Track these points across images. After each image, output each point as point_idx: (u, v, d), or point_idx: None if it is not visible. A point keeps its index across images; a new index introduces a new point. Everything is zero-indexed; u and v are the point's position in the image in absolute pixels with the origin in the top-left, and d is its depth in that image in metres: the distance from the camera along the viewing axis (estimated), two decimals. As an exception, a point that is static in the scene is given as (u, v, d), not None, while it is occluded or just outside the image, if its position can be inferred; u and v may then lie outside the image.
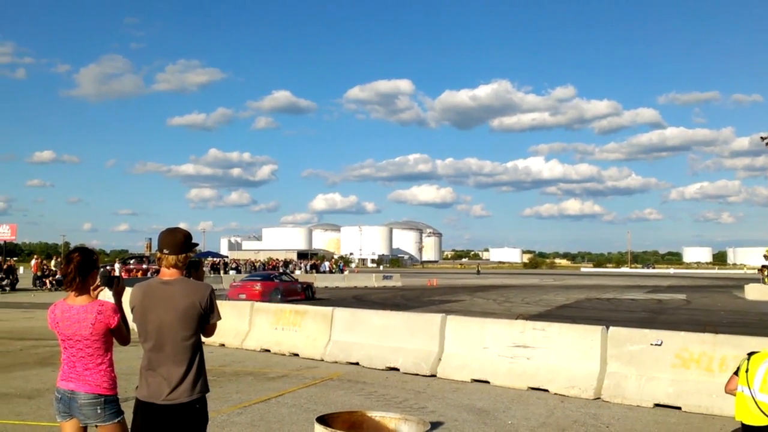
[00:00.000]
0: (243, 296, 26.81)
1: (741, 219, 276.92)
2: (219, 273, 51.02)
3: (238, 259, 76.04)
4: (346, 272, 65.59)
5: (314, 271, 61.97)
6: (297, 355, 12.95)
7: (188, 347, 3.82)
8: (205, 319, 3.89)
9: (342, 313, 13.05)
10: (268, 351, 13.44)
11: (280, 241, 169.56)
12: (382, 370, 11.50)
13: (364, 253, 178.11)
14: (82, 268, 4.00)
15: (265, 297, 26.14)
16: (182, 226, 5.19)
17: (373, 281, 49.77)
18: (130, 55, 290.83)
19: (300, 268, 65.54)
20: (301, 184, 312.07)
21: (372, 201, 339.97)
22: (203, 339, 3.98)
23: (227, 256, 79.93)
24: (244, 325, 14.27)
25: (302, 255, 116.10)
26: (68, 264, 4.01)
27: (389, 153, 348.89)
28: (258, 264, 65.44)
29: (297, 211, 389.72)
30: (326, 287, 44.22)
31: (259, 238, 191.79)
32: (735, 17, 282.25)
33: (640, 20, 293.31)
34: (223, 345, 14.10)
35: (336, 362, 12.21)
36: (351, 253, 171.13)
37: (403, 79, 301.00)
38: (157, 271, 4.01)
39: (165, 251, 3.89)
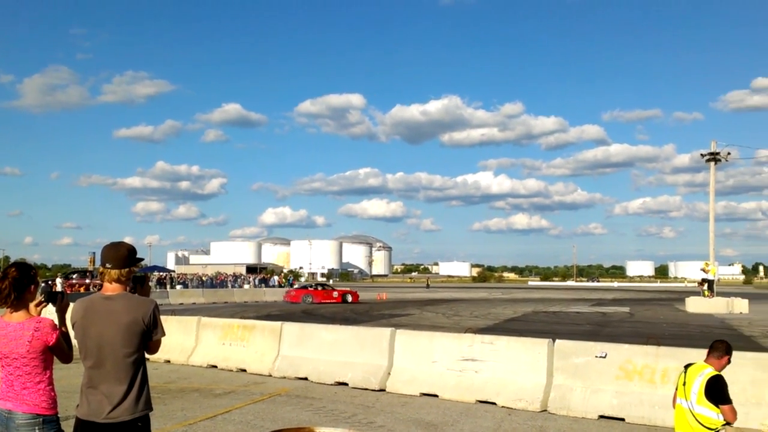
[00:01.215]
0: (310, 298, 42.37)
1: (682, 233, 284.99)
2: (165, 288, 50.03)
3: (185, 274, 74.79)
4: (295, 286, 65.06)
5: (263, 285, 61.22)
6: (245, 370, 12.78)
7: (130, 364, 3.73)
8: (148, 336, 3.81)
9: (291, 328, 12.95)
10: (215, 367, 13.23)
11: (228, 255, 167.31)
12: (331, 385, 11.43)
13: (313, 267, 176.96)
14: (17, 283, 3.87)
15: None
16: (128, 240, 5.09)
17: (323, 295, 49.49)
18: (76, 65, 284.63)
19: (248, 282, 64.71)
20: (251, 198, 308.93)
21: (322, 215, 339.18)
22: (147, 356, 3.89)
23: (174, 271, 78.49)
24: (191, 341, 14.02)
25: (251, 269, 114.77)
26: (3, 280, 3.87)
27: (340, 167, 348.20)
28: (206, 278, 64.36)
29: (246, 224, 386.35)
30: (275, 301, 43.81)
31: (207, 252, 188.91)
32: (676, 37, 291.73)
33: (586, 39, 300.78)
34: (169, 361, 13.83)
35: (284, 377, 12.09)
36: (301, 267, 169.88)
37: (355, 93, 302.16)
38: (101, 286, 3.91)
39: (108, 266, 3.81)
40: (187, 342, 14.02)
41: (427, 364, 10.80)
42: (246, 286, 60.08)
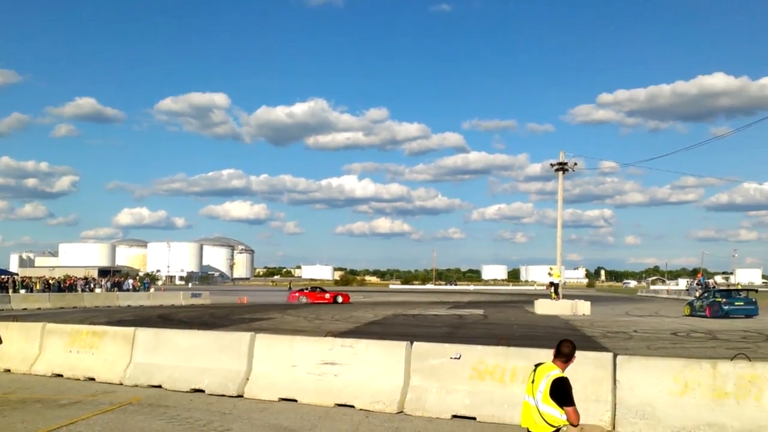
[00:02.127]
0: (304, 299, 48.43)
1: (533, 239, 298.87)
2: (7, 292, 46.52)
3: (30, 277, 69.86)
4: (151, 290, 62.50)
5: (116, 289, 58.39)
6: (93, 379, 12.16)
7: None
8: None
9: (145, 334, 12.44)
10: (61, 376, 12.48)
11: (79, 257, 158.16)
12: (187, 392, 11.10)
13: (172, 270, 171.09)
14: None
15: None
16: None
17: (180, 299, 47.97)
18: None
19: (101, 286, 61.48)
20: (105, 198, 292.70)
21: (182, 216, 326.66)
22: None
23: (17, 274, 73.25)
24: (34, 349, 13.12)
25: (104, 272, 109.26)
26: None
27: (202, 167, 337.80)
28: (53, 282, 60.46)
29: (100, 225, 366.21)
30: (129, 306, 41.96)
31: (55, 254, 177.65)
32: (531, 52, 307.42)
33: (448, 49, 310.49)
34: (9, 370, 12.87)
35: (137, 386, 11.61)
36: (158, 270, 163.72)
37: (219, 92, 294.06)
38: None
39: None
40: (29, 350, 13.11)
41: (286, 369, 10.73)
42: (98, 290, 57.04)
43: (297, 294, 50.14)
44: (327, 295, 49.52)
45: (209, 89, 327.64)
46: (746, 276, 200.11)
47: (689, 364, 8.80)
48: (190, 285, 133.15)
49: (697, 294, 45.31)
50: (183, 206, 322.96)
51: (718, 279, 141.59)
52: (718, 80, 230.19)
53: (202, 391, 11.02)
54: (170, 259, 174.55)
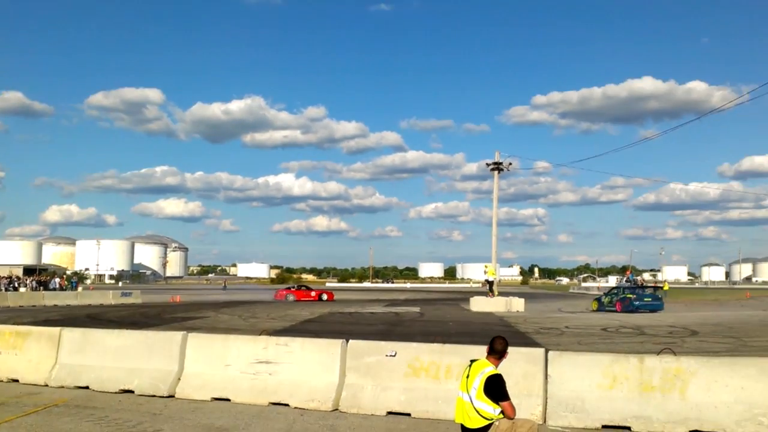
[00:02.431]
0: (292, 297, 50.02)
1: (469, 237, 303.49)
2: (-77, 291, 44.47)
3: (-51, 275, 66.90)
4: (79, 289, 60.66)
5: (42, 288, 56.40)
6: (17, 381, 11.70)
7: None
8: None
9: (71, 334, 12.03)
10: (-19, 378, 11.96)
11: (3, 255, 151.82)
12: (116, 393, 10.79)
13: (101, 268, 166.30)
14: None
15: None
16: None
17: (110, 298, 46.59)
18: None
19: (25, 285, 59.30)
20: (32, 194, 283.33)
21: (114, 213, 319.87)
22: None
23: (-65, 272, 70.04)
24: (-48, 350, 12.54)
25: (29, 270, 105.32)
26: None
27: (135, 164, 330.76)
28: (-26, 280, 57.97)
29: (26, 222, 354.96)
30: (56, 306, 40.58)
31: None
32: (467, 52, 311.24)
33: (386, 47, 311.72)
34: (-76, 374, 12.28)
35: (63, 387, 11.22)
36: (87, 269, 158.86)
37: (153, 88, 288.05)
38: None
39: None
40: (-53, 352, 12.52)
41: (220, 368, 10.55)
42: (22, 290, 55.00)
43: (284, 292, 51.91)
44: (313, 293, 51.84)
45: (142, 84, 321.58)
46: (672, 273, 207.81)
47: (617, 358, 9.04)
48: (120, 284, 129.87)
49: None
50: (114, 203, 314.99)
51: (646, 276, 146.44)
52: (647, 84, 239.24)
53: (132, 391, 10.74)
54: (100, 257, 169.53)
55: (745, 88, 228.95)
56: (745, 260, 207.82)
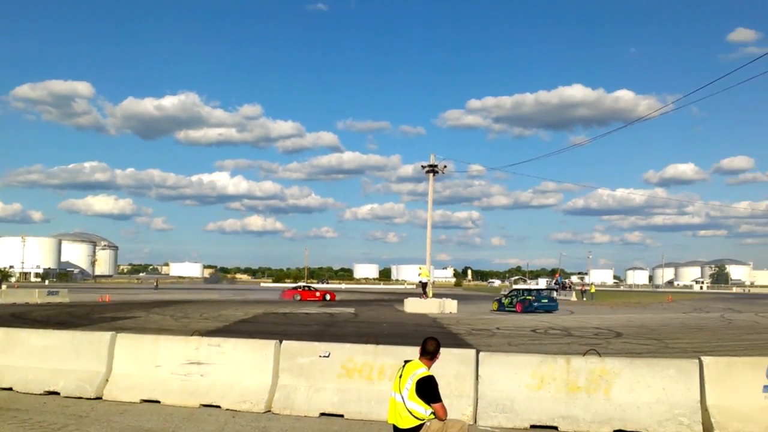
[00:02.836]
0: (298, 297, 52.98)
1: (404, 239, 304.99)
2: None
3: None
4: (3, 287, 58.47)
5: (-38, 285, 54.19)
6: (-67, 383, 11.20)
7: None
8: None
9: (-7, 334, 11.60)
10: None
11: None
12: (40, 394, 10.47)
13: (27, 266, 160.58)
14: None
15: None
16: None
17: (36, 297, 44.99)
18: None
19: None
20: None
21: (40, 210, 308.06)
22: None
23: None
24: None
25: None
26: None
27: (62, 159, 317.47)
28: None
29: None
30: (-23, 304, 38.98)
31: None
32: (404, 54, 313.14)
33: (323, 47, 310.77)
34: None
35: (-17, 389, 10.81)
36: (11, 266, 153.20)
37: (82, 81, 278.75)
38: None
39: None
40: None
41: (150, 369, 10.36)
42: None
43: (292, 292, 55.10)
44: (317, 294, 55.11)
45: (71, 77, 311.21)
46: (599, 276, 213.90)
47: (545, 359, 9.29)
48: (47, 282, 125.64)
49: (556, 292, 49.74)
50: (40, 199, 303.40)
51: (574, 279, 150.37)
52: (577, 91, 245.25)
53: (58, 393, 10.43)
54: (25, 254, 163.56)
55: (670, 97, 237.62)
56: (668, 264, 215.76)
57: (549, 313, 39.00)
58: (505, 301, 42.33)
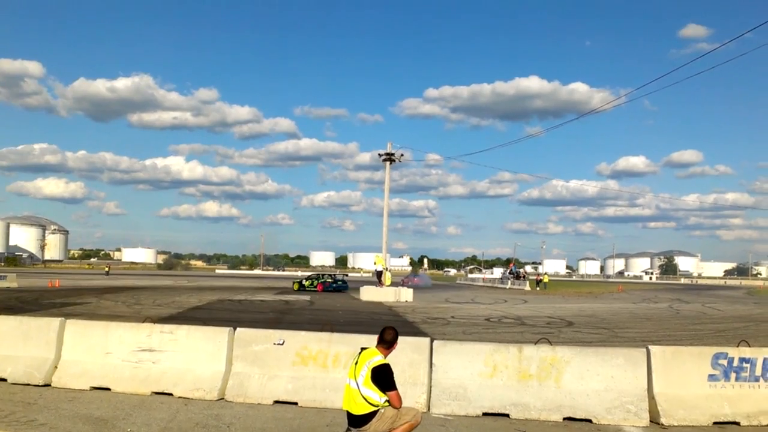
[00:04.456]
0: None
1: (360, 227, 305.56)
2: None
3: None
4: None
5: None
6: None
7: None
8: None
9: (-64, 319, 11.27)
10: None
11: None
12: (-14, 382, 10.22)
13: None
14: None
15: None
16: None
17: (-19, 282, 43.90)
18: None
19: None
20: None
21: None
22: None
23: None
24: None
25: None
26: None
27: (10, 140, 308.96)
28: None
29: None
30: None
31: None
32: (362, 41, 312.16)
33: (280, 31, 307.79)
34: None
35: (-75, 376, 10.50)
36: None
37: (32, 60, 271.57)
38: None
39: None
40: None
41: (100, 356, 10.19)
42: None
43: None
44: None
45: (21, 56, 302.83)
46: (552, 266, 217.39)
47: (498, 348, 9.41)
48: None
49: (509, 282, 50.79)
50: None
51: (528, 268, 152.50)
52: (533, 83, 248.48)
53: (5, 380, 10.20)
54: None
55: (623, 91, 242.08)
56: (619, 255, 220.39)
57: (340, 292, 48.88)
58: (306, 282, 51.33)
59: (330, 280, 52.75)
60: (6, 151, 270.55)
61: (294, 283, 52.79)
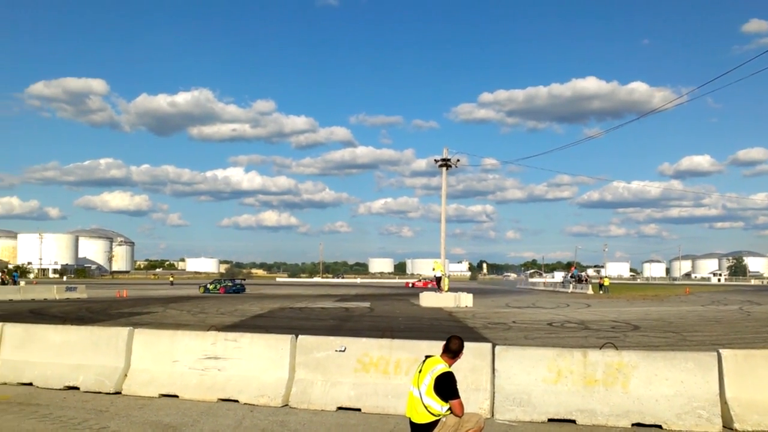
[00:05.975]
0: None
1: (418, 233, 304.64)
2: None
3: None
4: (22, 283, 58.97)
5: (-18, 282, 54.70)
6: (-45, 378, 11.34)
7: None
8: None
9: (13, 329, 11.75)
10: None
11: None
12: (60, 389, 10.59)
13: (44, 262, 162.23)
14: None
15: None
16: None
17: (54, 293, 45.44)
18: None
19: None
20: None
21: (56, 206, 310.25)
22: None
23: None
24: None
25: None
26: None
27: (78, 156, 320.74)
28: None
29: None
30: (-3, 300, 39.42)
31: None
32: (416, 48, 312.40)
33: (334, 42, 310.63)
34: None
35: (5, 384, 10.97)
36: (29, 263, 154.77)
37: (96, 78, 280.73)
38: None
39: None
40: None
41: (167, 364, 10.44)
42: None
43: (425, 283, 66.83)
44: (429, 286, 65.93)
45: (86, 74, 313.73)
46: (615, 269, 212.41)
47: (562, 353, 9.26)
48: (64, 278, 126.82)
49: (571, 286, 51.02)
50: (57, 196, 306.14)
51: (590, 272, 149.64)
52: (591, 84, 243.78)
53: (77, 388, 10.55)
54: (43, 251, 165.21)
55: (684, 89, 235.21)
56: (685, 257, 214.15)
57: (238, 294, 57.12)
58: (210, 286, 60.47)
59: (230, 284, 62.28)
60: (73, 166, 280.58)
61: (200, 287, 63.12)
